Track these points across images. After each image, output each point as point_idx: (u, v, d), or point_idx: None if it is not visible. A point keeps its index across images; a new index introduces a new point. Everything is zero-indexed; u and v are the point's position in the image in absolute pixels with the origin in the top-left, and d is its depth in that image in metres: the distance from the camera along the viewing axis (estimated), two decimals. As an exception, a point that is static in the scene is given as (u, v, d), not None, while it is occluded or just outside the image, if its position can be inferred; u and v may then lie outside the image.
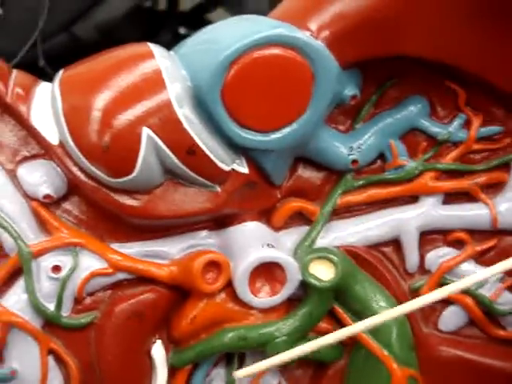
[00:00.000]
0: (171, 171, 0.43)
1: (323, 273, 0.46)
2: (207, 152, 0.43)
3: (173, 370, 0.47)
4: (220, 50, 0.41)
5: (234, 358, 0.48)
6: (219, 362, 0.49)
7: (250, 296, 0.45)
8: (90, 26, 0.72)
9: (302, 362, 0.49)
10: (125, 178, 0.42)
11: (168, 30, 0.83)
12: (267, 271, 0.45)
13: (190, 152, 0.43)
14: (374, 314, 0.45)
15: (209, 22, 0.51)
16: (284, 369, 0.49)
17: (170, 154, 0.42)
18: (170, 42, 0.57)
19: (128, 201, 0.43)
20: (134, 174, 0.42)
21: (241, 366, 0.49)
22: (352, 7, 0.43)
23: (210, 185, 0.44)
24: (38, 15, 0.67)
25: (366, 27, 0.43)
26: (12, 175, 0.45)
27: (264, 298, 0.45)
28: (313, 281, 0.45)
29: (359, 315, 0.46)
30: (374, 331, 0.46)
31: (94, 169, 0.42)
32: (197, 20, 0.83)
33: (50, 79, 0.45)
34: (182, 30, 0.84)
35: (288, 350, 0.46)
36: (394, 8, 0.43)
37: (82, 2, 0.71)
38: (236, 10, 0.78)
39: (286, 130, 0.43)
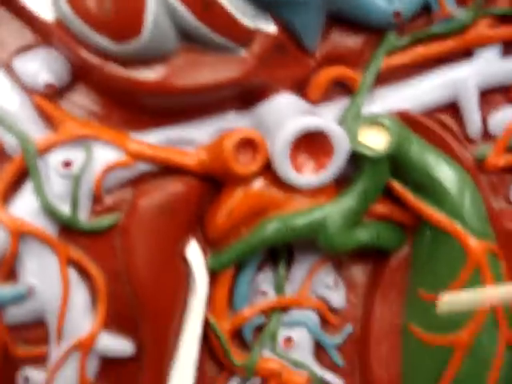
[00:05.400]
0: (187, 34, 0.37)
1: (375, 141, 0.39)
2: (225, 4, 0.37)
3: (213, 276, 0.41)
4: None
5: (280, 258, 0.43)
6: (264, 265, 0.43)
7: (292, 173, 0.38)
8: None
9: (359, 256, 0.43)
10: (133, 42, 0.36)
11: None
12: (310, 144, 0.39)
13: (205, 6, 0.36)
14: (438, 185, 0.40)
15: None
16: (339, 265, 0.43)
17: (183, 9, 0.36)
18: None
19: (141, 74, 0.37)
20: (142, 35, 0.36)
21: (289, 267, 0.43)
22: None
23: (233, 46, 0.38)
24: None
25: None
26: (8, 69, 0.39)
27: (309, 175, 0.39)
28: (364, 150, 0.39)
29: (421, 189, 0.40)
30: (441, 203, 0.40)
31: (98, 38, 0.36)
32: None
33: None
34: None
35: (343, 237, 0.40)
36: None
37: None
38: None
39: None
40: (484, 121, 0.42)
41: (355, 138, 0.39)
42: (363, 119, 0.40)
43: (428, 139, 0.41)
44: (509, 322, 0.40)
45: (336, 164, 0.39)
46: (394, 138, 0.39)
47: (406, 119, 0.41)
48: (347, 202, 0.40)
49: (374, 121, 0.40)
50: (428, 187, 0.40)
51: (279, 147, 0.38)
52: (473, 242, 0.39)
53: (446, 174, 0.40)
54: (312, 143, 0.39)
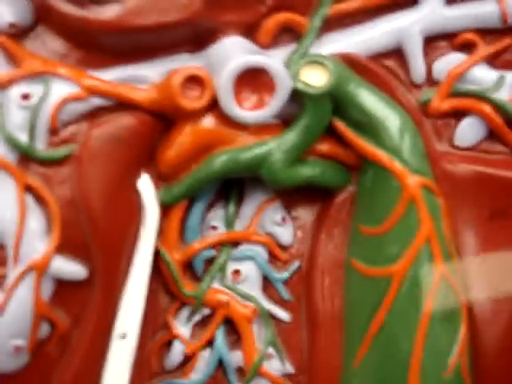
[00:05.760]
0: (139, -25, 0.40)
1: (315, 79, 0.42)
2: None
3: (165, 210, 0.43)
4: None
5: (231, 196, 0.45)
6: (216, 203, 0.45)
7: (236, 108, 0.41)
8: None
9: (307, 194, 0.45)
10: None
11: None
12: (254, 81, 0.41)
13: None
14: (379, 124, 0.42)
15: None
16: (288, 203, 0.45)
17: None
18: None
19: (97, 14, 0.40)
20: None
21: (240, 204, 0.45)
22: None
23: (182, -12, 0.40)
24: None
25: None
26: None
27: (252, 109, 0.41)
28: (304, 87, 0.41)
29: (362, 128, 0.42)
30: (381, 141, 0.42)
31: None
32: None
33: None
34: None
35: (286, 172, 0.42)
36: None
37: None
38: None
39: None
40: (429, 67, 0.44)
41: (297, 75, 0.41)
42: (306, 59, 0.42)
43: (372, 82, 0.43)
44: (443, 254, 0.41)
45: (278, 100, 0.41)
46: (333, 76, 0.41)
47: (350, 62, 0.43)
48: (290, 138, 0.42)
49: (315, 61, 0.42)
50: (369, 126, 0.42)
51: (223, 82, 0.41)
52: (409, 177, 0.41)
53: (386, 114, 0.42)
54: (256, 81, 0.41)
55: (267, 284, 0.45)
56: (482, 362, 0.43)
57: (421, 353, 0.41)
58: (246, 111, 0.41)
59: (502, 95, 0.43)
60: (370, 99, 0.42)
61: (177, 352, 0.44)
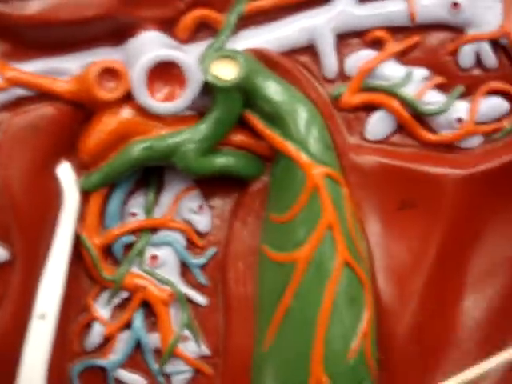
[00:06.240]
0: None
1: (226, 73, 0.43)
2: None
3: (86, 196, 0.46)
4: None
5: (150, 184, 0.46)
6: (136, 191, 0.47)
7: (148, 99, 0.43)
8: None
9: (225, 185, 0.47)
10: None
11: None
12: (167, 74, 0.43)
13: None
14: (287, 117, 0.43)
15: None
16: (206, 193, 0.47)
17: None
18: None
19: (20, 9, 0.42)
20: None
21: (159, 193, 0.47)
22: None
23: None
24: None
25: None
26: None
27: (164, 101, 0.43)
28: (214, 80, 0.43)
29: (273, 120, 0.44)
30: (289, 133, 0.44)
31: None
32: None
33: None
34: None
35: (199, 161, 0.44)
36: None
37: None
38: None
39: None
40: (341, 62, 0.46)
41: (208, 69, 0.43)
42: (217, 54, 0.44)
43: (283, 77, 0.45)
44: (346, 242, 0.43)
45: (189, 93, 0.43)
46: (243, 70, 0.43)
47: (262, 57, 0.45)
48: (202, 128, 0.44)
49: (226, 55, 0.44)
50: (278, 119, 0.44)
51: (136, 75, 0.43)
52: (313, 168, 0.43)
53: (294, 107, 0.44)
54: (169, 74, 0.43)
55: (185, 269, 0.47)
56: (388, 344, 0.45)
57: (324, 336, 0.43)
58: (158, 102, 0.43)
59: (409, 90, 0.45)
60: (278, 92, 0.44)
61: (96, 333, 0.46)
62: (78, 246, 0.46)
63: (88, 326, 0.46)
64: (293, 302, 0.43)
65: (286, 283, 0.43)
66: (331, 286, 0.43)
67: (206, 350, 0.46)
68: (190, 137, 0.44)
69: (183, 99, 0.43)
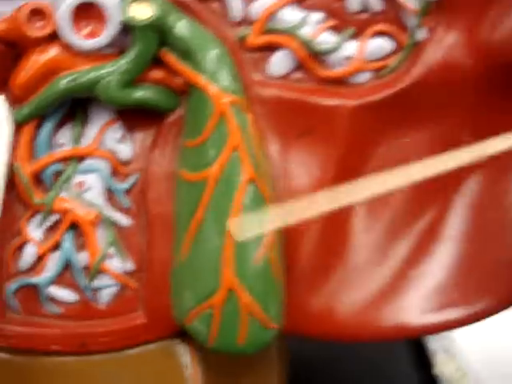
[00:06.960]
0: None
1: (142, 13, 0.49)
2: None
3: (19, 128, 0.50)
4: None
5: (77, 117, 0.52)
6: (65, 122, 0.52)
7: (72, 36, 0.48)
8: None
9: (145, 117, 0.52)
10: None
11: None
12: (91, 13, 0.48)
13: None
14: (199, 53, 0.49)
15: None
16: (129, 124, 0.52)
17: None
18: None
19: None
20: None
21: (85, 125, 0.52)
22: None
23: None
24: None
25: None
26: None
27: (87, 38, 0.49)
28: (130, 19, 0.49)
29: (186, 56, 0.49)
30: (201, 67, 0.49)
31: None
32: None
33: None
34: None
35: (120, 93, 0.49)
36: None
37: None
38: None
39: None
40: (246, 8, 0.52)
41: (126, 10, 0.49)
42: (136, -3, 0.50)
43: (196, 19, 0.51)
44: (251, 161, 0.49)
45: (110, 31, 0.49)
46: (157, 11, 0.49)
47: (176, 1, 0.50)
48: (123, 63, 0.49)
49: (143, -2, 0.50)
50: (190, 55, 0.49)
51: (61, 13, 0.48)
52: (221, 97, 0.49)
53: (205, 44, 0.50)
54: (92, 14, 0.49)
55: (111, 195, 0.52)
56: (294, 254, 0.51)
57: (232, 245, 0.48)
58: (81, 39, 0.48)
59: (306, 32, 0.52)
60: (190, 31, 0.49)
61: (29, 254, 0.51)
62: (13, 176, 0.51)
63: (21, 248, 0.51)
64: (205, 214, 0.49)
65: (199, 199, 0.49)
66: (238, 199, 0.48)
67: (130, 266, 0.52)
68: (111, 70, 0.49)
69: (104, 36, 0.49)
